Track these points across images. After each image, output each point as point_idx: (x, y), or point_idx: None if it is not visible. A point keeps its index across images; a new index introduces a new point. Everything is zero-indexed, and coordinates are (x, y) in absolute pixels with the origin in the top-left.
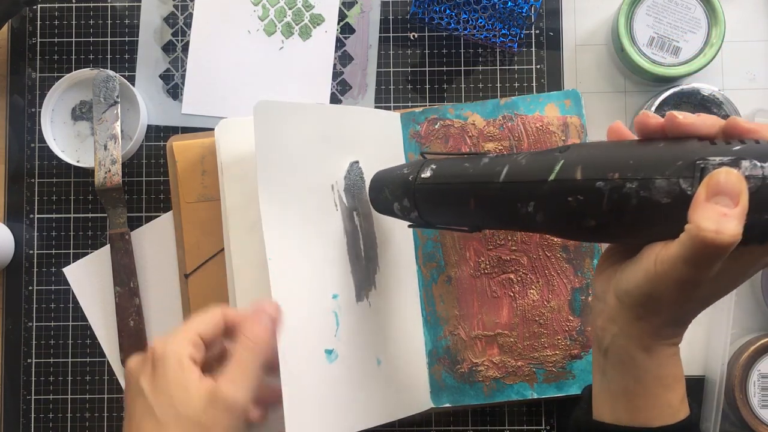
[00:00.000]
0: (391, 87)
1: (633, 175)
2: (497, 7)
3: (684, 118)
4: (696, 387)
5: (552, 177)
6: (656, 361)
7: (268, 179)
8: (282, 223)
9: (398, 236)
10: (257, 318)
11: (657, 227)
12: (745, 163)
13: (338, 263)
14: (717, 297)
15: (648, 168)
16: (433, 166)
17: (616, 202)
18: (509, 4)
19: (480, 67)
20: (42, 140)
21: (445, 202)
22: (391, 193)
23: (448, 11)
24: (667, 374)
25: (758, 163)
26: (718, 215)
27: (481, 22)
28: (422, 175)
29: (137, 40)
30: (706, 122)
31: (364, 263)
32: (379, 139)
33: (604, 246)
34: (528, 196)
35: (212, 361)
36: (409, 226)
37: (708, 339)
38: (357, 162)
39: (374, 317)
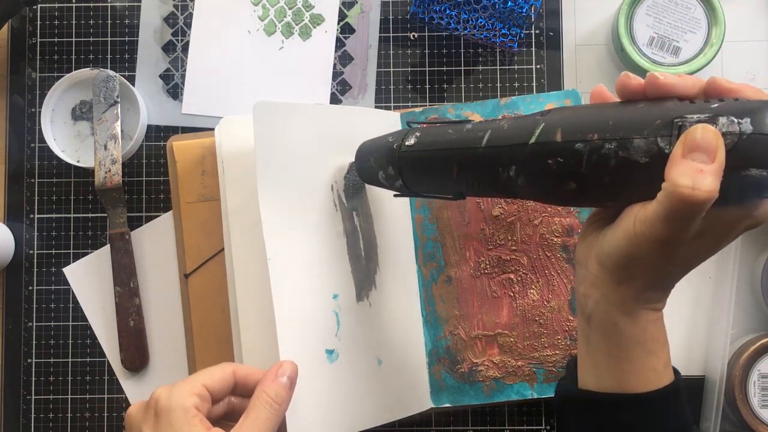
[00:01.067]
0: (391, 87)
1: (612, 135)
2: (497, 7)
3: (664, 78)
4: (696, 387)
5: (533, 140)
6: (639, 326)
7: (267, 180)
8: (282, 224)
9: (398, 236)
10: (277, 376)
11: (637, 188)
12: (723, 120)
13: (338, 263)
14: (699, 260)
15: (627, 128)
16: (417, 134)
17: (595, 163)
18: (509, 4)
19: (480, 67)
20: (42, 140)
21: (429, 168)
22: (376, 162)
23: (448, 11)
24: (650, 339)
25: (735, 119)
26: (694, 171)
27: (481, 22)
28: (406, 143)
29: (137, 40)
30: (687, 83)
31: (364, 263)
32: None
33: None
34: (509, 160)
35: (217, 416)
36: (395, 196)
37: (708, 339)
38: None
39: (375, 317)
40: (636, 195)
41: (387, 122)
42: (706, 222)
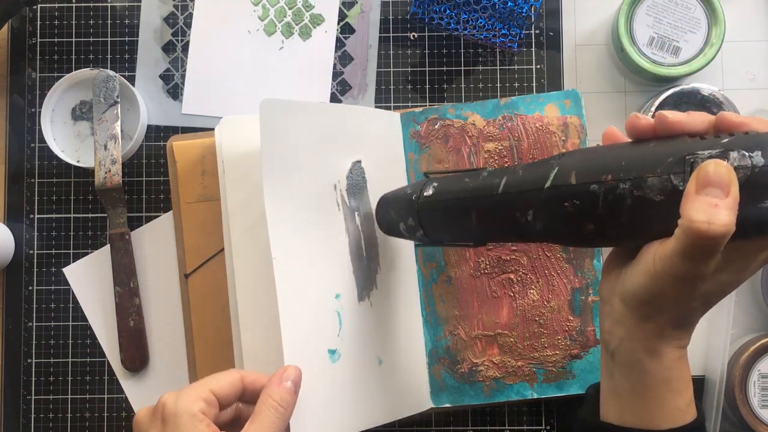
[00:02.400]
0: (391, 87)
1: (625, 175)
2: (497, 7)
3: (673, 116)
4: (696, 387)
5: (548, 184)
6: (663, 364)
7: (273, 178)
8: (286, 222)
9: None
10: (282, 381)
11: (653, 226)
12: (734, 154)
13: (340, 263)
14: (722, 294)
15: (639, 167)
16: (435, 184)
17: (611, 204)
18: (509, 4)
19: (480, 67)
20: (42, 140)
21: (447, 217)
22: (396, 214)
23: (448, 11)
24: (674, 377)
25: (746, 153)
26: (708, 207)
27: (481, 22)
28: (425, 194)
29: (137, 40)
30: (695, 119)
31: (366, 263)
32: (381, 139)
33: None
34: (526, 204)
35: (225, 422)
36: (417, 246)
37: (708, 339)
38: (359, 161)
39: (376, 317)
40: (654, 232)
41: (387, 122)
42: (726, 256)
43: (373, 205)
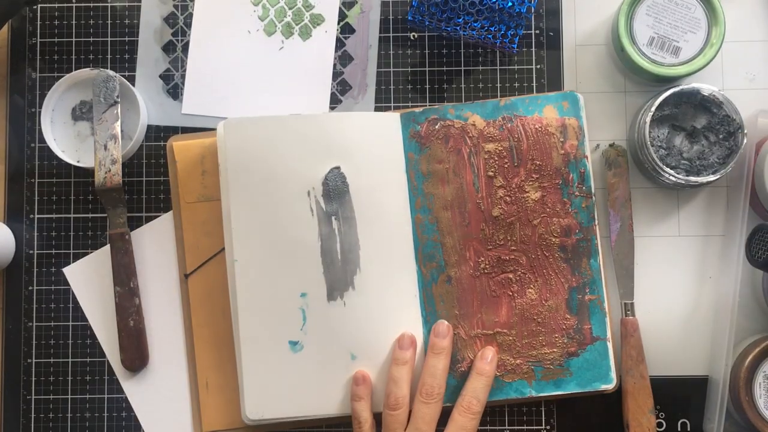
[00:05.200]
0: (391, 87)
1: None
2: (496, 7)
3: None
4: (699, 387)
5: None
6: None
7: (238, 191)
8: (250, 230)
9: (392, 238)
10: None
11: None
12: None
13: (309, 265)
14: None
15: None
16: None
17: None
18: (508, 3)
19: (480, 67)
20: (42, 140)
21: None
22: None
23: (444, 15)
24: None
25: None
26: None
27: (477, 26)
28: None
29: (137, 40)
30: None
31: (340, 265)
32: (369, 143)
33: (602, 245)
34: None
35: None
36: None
37: (712, 339)
38: (338, 167)
39: (350, 316)
40: None
41: (385, 123)
42: None
43: (357, 209)
